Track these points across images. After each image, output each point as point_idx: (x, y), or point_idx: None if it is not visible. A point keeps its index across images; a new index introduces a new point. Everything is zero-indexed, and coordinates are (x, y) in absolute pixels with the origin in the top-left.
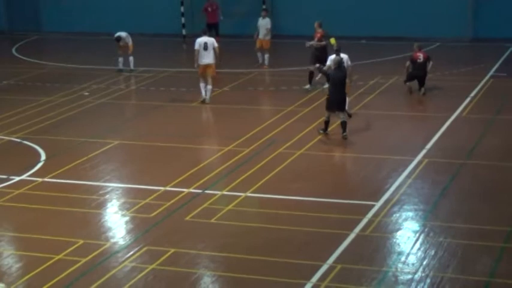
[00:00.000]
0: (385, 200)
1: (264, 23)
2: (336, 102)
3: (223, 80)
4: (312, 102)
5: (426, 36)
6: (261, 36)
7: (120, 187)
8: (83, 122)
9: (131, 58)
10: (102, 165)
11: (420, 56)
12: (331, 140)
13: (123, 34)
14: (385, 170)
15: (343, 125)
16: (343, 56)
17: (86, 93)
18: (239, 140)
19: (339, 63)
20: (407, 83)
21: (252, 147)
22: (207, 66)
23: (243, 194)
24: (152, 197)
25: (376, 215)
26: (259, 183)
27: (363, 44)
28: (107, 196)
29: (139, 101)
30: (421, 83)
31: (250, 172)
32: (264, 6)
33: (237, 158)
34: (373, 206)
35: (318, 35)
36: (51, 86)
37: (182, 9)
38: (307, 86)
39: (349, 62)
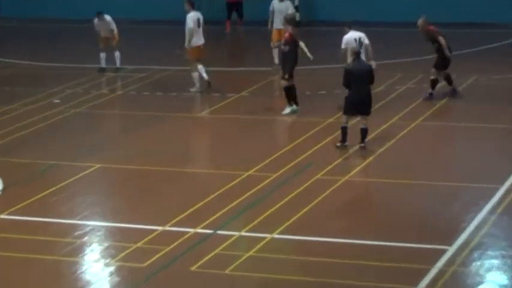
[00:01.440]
0: (460, 244)
1: (281, 7)
2: (358, 104)
3: (241, 81)
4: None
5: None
6: (276, 25)
7: (103, 226)
8: (52, 139)
9: (117, 53)
10: (79, 196)
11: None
12: (384, 162)
13: (107, 17)
14: (460, 202)
15: (363, 132)
16: (359, 34)
17: (57, 101)
18: (262, 163)
19: (357, 53)
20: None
21: (279, 173)
22: (202, 47)
23: (268, 236)
24: (146, 239)
25: (449, 263)
26: (290, 221)
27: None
28: (85, 238)
29: (128, 110)
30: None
31: (277, 206)
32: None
33: (259, 186)
34: (444, 251)
35: (286, 35)
36: (11, 90)
37: None
38: (288, 110)
39: (367, 41)
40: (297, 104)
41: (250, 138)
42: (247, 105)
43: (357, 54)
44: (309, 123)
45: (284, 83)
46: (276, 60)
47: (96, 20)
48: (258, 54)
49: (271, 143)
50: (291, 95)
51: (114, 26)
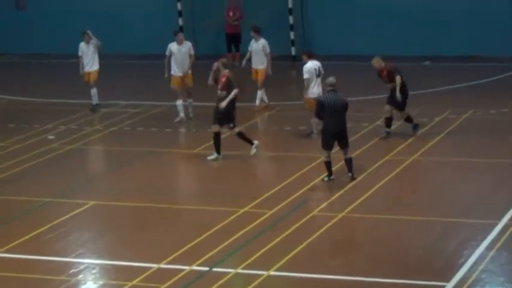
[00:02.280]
0: (458, 280)
1: (258, 47)
2: (335, 136)
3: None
4: (357, 146)
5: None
6: (254, 64)
7: (98, 264)
8: (47, 176)
9: (94, 90)
10: (73, 234)
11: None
12: (382, 197)
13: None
14: (458, 238)
15: (349, 163)
16: (318, 64)
17: (51, 137)
18: (258, 200)
19: (333, 84)
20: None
21: (275, 209)
22: (184, 76)
23: (264, 273)
24: (141, 277)
25: None
26: (286, 258)
27: (427, 65)
28: (80, 276)
29: (123, 146)
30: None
31: (273, 243)
32: (254, 28)
33: (255, 223)
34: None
35: (223, 79)
36: (4, 126)
37: (180, 21)
38: (213, 157)
39: (322, 70)
40: (251, 143)
41: (245, 174)
42: (241, 141)
43: (332, 86)
44: (302, 159)
45: (236, 130)
46: (257, 102)
47: (82, 44)
48: (253, 88)
49: (266, 179)
50: (218, 142)
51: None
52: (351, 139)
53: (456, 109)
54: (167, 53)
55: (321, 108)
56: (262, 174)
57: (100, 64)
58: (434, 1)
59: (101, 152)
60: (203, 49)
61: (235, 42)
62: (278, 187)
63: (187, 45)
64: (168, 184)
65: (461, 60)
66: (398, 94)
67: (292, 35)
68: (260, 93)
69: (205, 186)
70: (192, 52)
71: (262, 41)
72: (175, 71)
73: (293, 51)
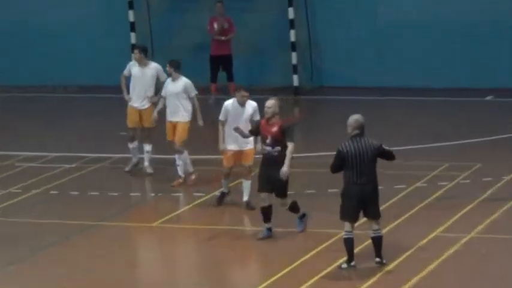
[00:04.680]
0: None
1: (175, 89)
2: (362, 200)
3: (213, 176)
4: (389, 217)
5: None
6: (171, 115)
7: None
8: None
9: None
10: None
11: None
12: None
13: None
14: None
15: (377, 242)
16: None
17: None
18: None
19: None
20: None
21: None
22: (142, 111)
23: None
24: None
25: None
26: None
27: (489, 101)
28: None
29: (48, 217)
30: None
31: None
32: (171, 62)
33: None
34: None
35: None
36: None
37: (133, 37)
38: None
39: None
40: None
41: (235, 258)
42: (223, 210)
43: (357, 128)
44: (310, 236)
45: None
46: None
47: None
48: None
49: (264, 265)
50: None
51: None
52: (381, 207)
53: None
54: (125, 73)
55: (340, 160)
56: (259, 258)
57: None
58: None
59: (18, 225)
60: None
61: (225, 67)
62: (279, 274)
63: (155, 68)
64: (121, 272)
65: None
66: (286, 169)
67: (294, 59)
68: (182, 160)
69: (175, 276)
70: (163, 79)
71: (184, 81)
72: (133, 100)
73: (295, 81)
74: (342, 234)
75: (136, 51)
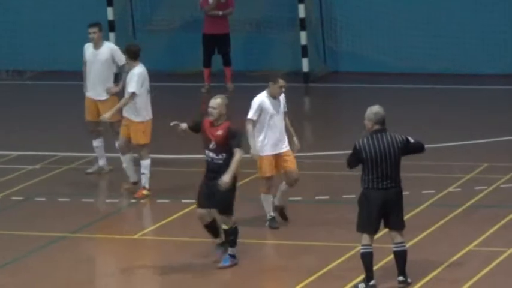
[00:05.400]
0: None
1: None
2: (383, 207)
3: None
4: (416, 228)
5: None
6: (125, 111)
7: None
8: None
9: None
10: None
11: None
12: None
13: None
14: None
15: (400, 257)
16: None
17: None
18: None
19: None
20: None
21: None
22: (99, 102)
23: None
24: None
25: None
26: None
27: None
28: None
29: (13, 228)
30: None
31: None
32: (129, 47)
33: None
34: None
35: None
36: None
37: (110, 12)
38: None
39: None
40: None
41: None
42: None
43: (379, 124)
44: (321, 250)
45: None
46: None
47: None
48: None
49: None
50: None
51: None
52: (406, 216)
53: None
54: (84, 59)
55: (356, 159)
56: (263, 277)
57: None
58: None
59: None
60: (152, 63)
61: (220, 48)
62: None
63: (109, 50)
64: None
65: None
66: (227, 178)
67: (303, 39)
68: (144, 165)
69: None
70: (121, 62)
71: (139, 69)
72: (88, 90)
73: (305, 65)
74: (359, 248)
75: (94, 29)
